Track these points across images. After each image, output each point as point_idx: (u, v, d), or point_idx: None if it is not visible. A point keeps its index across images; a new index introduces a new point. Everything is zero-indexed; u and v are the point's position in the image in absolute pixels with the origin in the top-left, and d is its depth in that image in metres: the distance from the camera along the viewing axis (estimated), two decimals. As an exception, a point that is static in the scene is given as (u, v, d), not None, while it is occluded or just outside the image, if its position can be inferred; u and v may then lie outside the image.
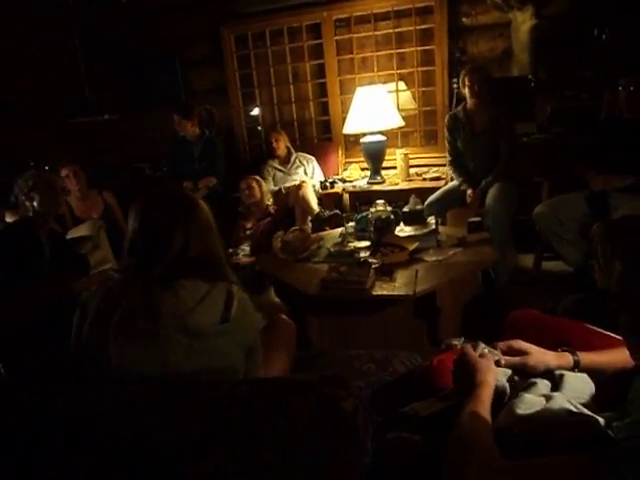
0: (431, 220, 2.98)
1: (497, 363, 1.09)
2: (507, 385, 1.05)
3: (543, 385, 1.06)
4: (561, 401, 0.95)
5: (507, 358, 1.12)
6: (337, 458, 0.79)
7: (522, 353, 1.13)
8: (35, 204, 2.56)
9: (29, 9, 4.31)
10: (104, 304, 1.22)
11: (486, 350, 1.10)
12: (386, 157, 4.09)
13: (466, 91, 3.42)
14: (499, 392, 1.02)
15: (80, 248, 3.00)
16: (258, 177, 3.85)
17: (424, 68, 4.26)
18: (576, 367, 1.13)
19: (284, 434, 0.81)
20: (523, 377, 1.11)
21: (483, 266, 2.69)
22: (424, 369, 1.36)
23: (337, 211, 3.42)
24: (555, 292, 2.85)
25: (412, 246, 2.64)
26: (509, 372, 1.11)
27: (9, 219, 2.99)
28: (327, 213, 3.70)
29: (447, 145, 3.62)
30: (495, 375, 1.04)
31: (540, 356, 1.13)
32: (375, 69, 4.34)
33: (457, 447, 0.84)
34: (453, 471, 0.82)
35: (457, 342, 1.77)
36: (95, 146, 4.69)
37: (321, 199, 3.95)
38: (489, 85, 3.41)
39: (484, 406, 0.93)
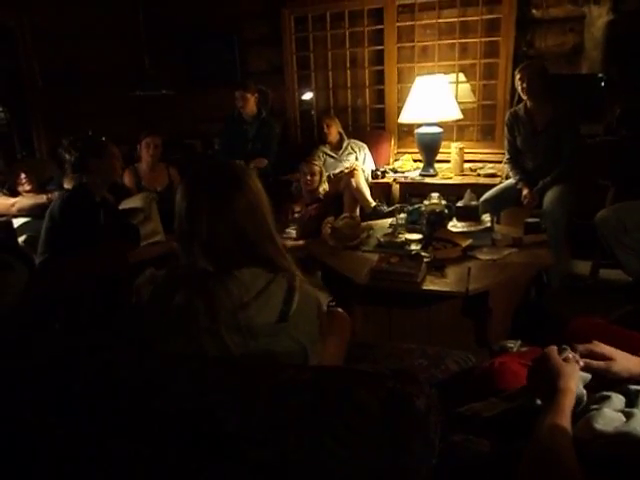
0: (486, 217, 2.89)
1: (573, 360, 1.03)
2: (585, 392, 0.99)
3: (618, 400, 1.00)
4: (643, 419, 0.88)
5: (589, 361, 1.05)
6: (407, 457, 0.76)
7: (604, 358, 1.06)
8: (94, 168, 2.58)
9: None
10: (161, 293, 1.16)
11: (570, 355, 1.03)
12: (440, 150, 3.99)
13: (520, 90, 3.26)
14: (576, 400, 0.96)
15: (132, 219, 3.06)
16: (320, 163, 3.80)
17: (487, 60, 4.11)
18: None
19: (352, 426, 0.78)
20: (599, 385, 1.04)
21: (538, 269, 2.59)
22: (484, 370, 1.30)
23: (397, 206, 3.35)
24: (612, 302, 2.72)
25: (465, 243, 2.57)
26: (588, 378, 1.04)
27: (67, 185, 3.07)
28: (386, 208, 3.63)
29: (506, 143, 3.49)
30: (577, 380, 0.98)
31: (625, 362, 1.05)
32: (436, 59, 4.22)
33: (537, 464, 0.79)
34: None
35: (513, 345, 1.70)
36: (150, 120, 4.75)
37: (371, 188, 3.89)
38: (546, 82, 3.22)
39: (566, 417, 0.88)
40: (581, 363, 1.03)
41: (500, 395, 1.18)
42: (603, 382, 1.07)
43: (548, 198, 3.14)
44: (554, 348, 1.04)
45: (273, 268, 1.16)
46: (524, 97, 3.27)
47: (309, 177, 3.64)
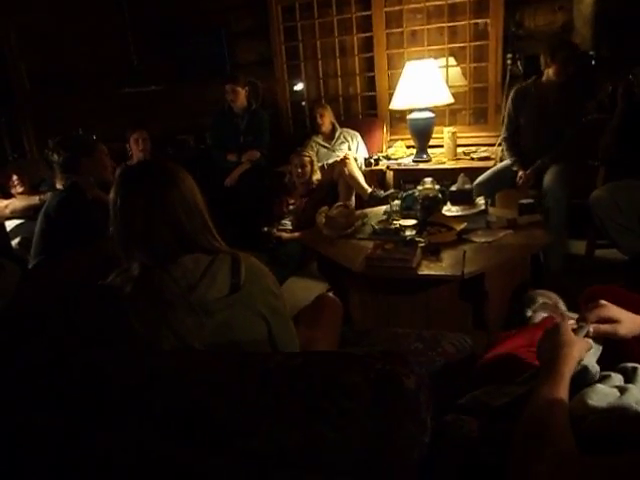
0: (480, 200, 2.88)
1: (586, 334, 1.02)
2: (598, 369, 0.97)
3: (617, 378, 0.99)
4: (638, 394, 0.88)
5: (597, 326, 1.03)
6: (398, 436, 0.76)
7: (611, 320, 1.04)
8: (85, 167, 2.56)
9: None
10: (108, 293, 1.16)
11: (590, 329, 1.02)
12: (433, 135, 3.97)
13: (553, 68, 3.17)
14: (589, 374, 0.95)
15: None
16: (311, 154, 3.76)
17: (477, 43, 4.08)
18: None
19: (342, 409, 0.77)
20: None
21: (534, 250, 2.58)
22: (490, 358, 1.27)
23: (393, 190, 3.33)
24: (608, 281, 2.72)
25: (460, 226, 2.56)
26: (600, 349, 1.03)
27: (59, 185, 3.05)
28: (382, 193, 3.60)
29: (506, 119, 3.44)
30: (581, 350, 0.96)
31: (630, 324, 1.03)
32: (425, 43, 4.19)
33: (530, 434, 0.78)
34: (523, 460, 0.76)
35: (542, 298, 1.61)
36: (141, 117, 4.73)
37: (365, 176, 3.88)
38: (577, 65, 3.16)
39: (564, 387, 0.86)
40: (591, 329, 1.02)
41: (514, 380, 1.15)
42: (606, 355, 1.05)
43: (549, 177, 3.10)
44: (567, 322, 1.02)
45: (212, 252, 1.19)
46: (556, 76, 3.17)
47: (300, 169, 3.61)
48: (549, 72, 3.21)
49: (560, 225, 2.96)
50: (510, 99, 3.42)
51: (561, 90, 3.20)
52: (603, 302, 1.07)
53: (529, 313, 1.40)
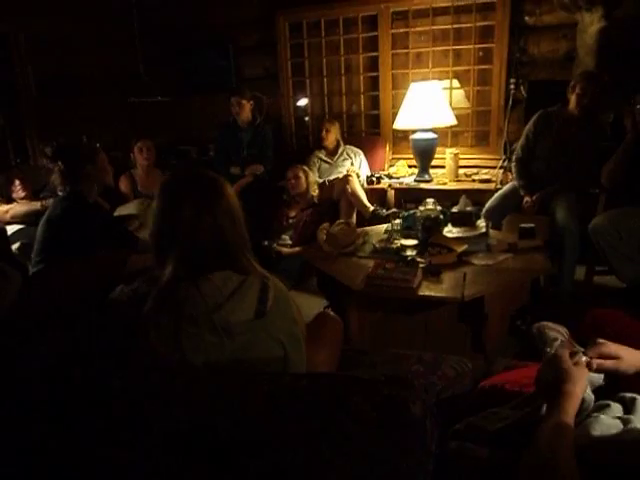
0: (481, 223, 2.90)
1: (588, 366, 1.02)
2: (593, 398, 0.98)
3: (616, 408, 0.99)
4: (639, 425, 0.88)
5: (601, 362, 1.04)
6: (403, 463, 0.76)
7: (612, 357, 1.05)
8: (90, 175, 2.56)
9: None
10: (130, 302, 1.16)
11: (583, 359, 1.02)
12: (435, 156, 4.01)
13: (573, 98, 3.19)
14: (584, 403, 0.95)
15: (127, 226, 3.04)
16: (305, 167, 3.81)
17: (481, 66, 4.14)
18: None
19: (347, 434, 0.77)
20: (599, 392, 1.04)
21: (534, 274, 2.59)
22: (490, 384, 1.27)
23: (395, 209, 3.34)
24: (607, 307, 2.73)
25: (461, 248, 2.57)
26: (599, 381, 1.04)
27: (61, 192, 3.04)
28: (384, 211, 3.62)
29: (523, 140, 3.39)
30: (583, 387, 0.97)
31: (631, 358, 1.04)
32: (430, 65, 4.24)
33: (536, 467, 0.78)
34: None
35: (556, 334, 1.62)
36: (145, 126, 4.75)
37: (366, 194, 3.89)
38: (600, 97, 3.17)
39: (570, 420, 0.87)
40: (594, 365, 1.03)
41: (507, 404, 1.15)
42: (603, 387, 1.06)
43: (560, 207, 3.06)
44: (566, 350, 1.03)
45: (244, 271, 1.18)
46: (576, 108, 3.18)
47: (293, 180, 3.66)
48: (571, 102, 3.23)
49: (573, 255, 2.95)
50: (532, 122, 3.38)
51: (581, 121, 3.19)
52: (601, 340, 1.08)
53: (551, 351, 1.41)
